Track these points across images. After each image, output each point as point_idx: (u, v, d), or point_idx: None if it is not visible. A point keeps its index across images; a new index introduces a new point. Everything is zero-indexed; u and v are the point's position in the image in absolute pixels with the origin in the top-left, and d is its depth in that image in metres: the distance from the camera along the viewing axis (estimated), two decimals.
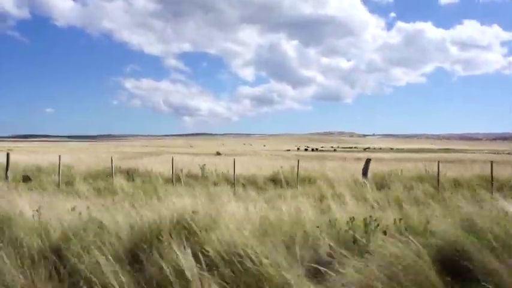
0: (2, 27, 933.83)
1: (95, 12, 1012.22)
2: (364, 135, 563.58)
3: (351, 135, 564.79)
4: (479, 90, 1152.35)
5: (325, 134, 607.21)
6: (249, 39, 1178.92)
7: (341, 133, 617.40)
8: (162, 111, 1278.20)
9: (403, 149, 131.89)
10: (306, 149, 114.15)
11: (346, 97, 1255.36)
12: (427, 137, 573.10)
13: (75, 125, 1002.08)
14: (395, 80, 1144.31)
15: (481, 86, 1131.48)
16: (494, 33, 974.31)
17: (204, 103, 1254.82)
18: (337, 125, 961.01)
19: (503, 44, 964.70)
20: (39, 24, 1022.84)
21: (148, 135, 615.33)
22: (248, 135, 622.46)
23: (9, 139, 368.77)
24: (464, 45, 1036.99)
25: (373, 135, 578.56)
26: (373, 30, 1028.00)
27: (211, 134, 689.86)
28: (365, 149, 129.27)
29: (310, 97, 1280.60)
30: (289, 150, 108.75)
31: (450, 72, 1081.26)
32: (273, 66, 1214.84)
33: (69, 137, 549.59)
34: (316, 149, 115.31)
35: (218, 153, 51.50)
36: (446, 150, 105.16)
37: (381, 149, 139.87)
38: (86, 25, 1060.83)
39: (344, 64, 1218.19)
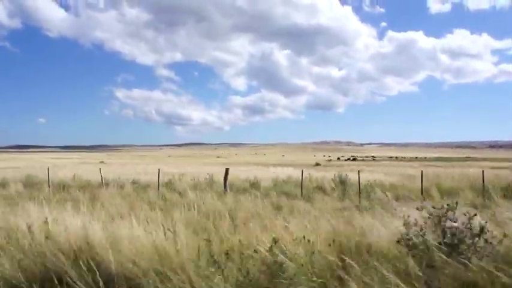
0: None
1: (87, 22, 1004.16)
2: (362, 144, 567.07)
3: (348, 144, 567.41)
4: (470, 98, 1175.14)
5: (322, 143, 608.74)
6: (241, 49, 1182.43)
7: (337, 142, 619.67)
8: (155, 120, 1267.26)
9: (452, 158, 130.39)
10: (354, 159, 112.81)
11: (338, 106, 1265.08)
12: (420, 145, 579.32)
13: (68, 135, 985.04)
14: (387, 89, 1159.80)
15: (472, 94, 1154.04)
16: (484, 42, 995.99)
17: (196, 112, 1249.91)
18: (331, 134, 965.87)
19: (493, 52, 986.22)
20: (30, 35, 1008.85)
21: (144, 145, 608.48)
22: (243, 144, 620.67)
23: (6, 150, 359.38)
24: (454, 54, 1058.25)
25: (370, 144, 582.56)
26: (364, 39, 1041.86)
27: (206, 144, 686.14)
28: (397, 158, 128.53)
29: (302, 106, 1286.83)
30: (330, 159, 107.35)
31: (441, 81, 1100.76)
32: (265, 76, 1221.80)
33: (63, 147, 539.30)
34: (354, 159, 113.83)
35: (318, 164, 49.79)
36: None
37: (417, 158, 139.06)
38: (78, 35, 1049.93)
39: (336, 73, 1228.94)
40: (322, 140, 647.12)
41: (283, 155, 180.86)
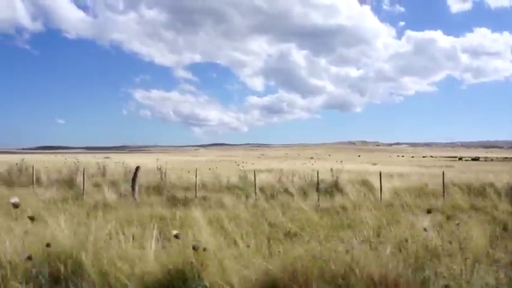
0: (17, 40, 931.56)
1: (105, 23, 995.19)
2: (390, 144, 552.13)
3: (377, 144, 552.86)
4: (490, 97, 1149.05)
5: (347, 143, 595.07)
6: (259, 49, 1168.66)
7: (364, 142, 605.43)
8: (172, 121, 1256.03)
9: None
10: (475, 159, 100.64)
11: (356, 106, 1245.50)
12: (444, 145, 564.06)
13: (88, 136, 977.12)
14: (405, 89, 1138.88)
15: (492, 93, 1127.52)
16: (505, 40, 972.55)
17: (213, 113, 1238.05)
18: (352, 135, 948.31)
19: None
20: (50, 37, 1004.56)
21: (166, 146, 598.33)
22: (267, 145, 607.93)
23: (31, 151, 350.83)
24: (474, 53, 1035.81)
25: (398, 144, 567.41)
26: (384, 39, 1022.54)
27: (227, 145, 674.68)
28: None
29: (320, 106, 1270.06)
30: (455, 158, 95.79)
31: (460, 80, 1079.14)
32: (283, 76, 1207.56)
33: (86, 148, 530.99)
34: (477, 158, 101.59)
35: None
36: None
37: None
38: (96, 36, 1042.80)
39: (354, 73, 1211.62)
40: (347, 140, 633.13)
41: (359, 155, 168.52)
